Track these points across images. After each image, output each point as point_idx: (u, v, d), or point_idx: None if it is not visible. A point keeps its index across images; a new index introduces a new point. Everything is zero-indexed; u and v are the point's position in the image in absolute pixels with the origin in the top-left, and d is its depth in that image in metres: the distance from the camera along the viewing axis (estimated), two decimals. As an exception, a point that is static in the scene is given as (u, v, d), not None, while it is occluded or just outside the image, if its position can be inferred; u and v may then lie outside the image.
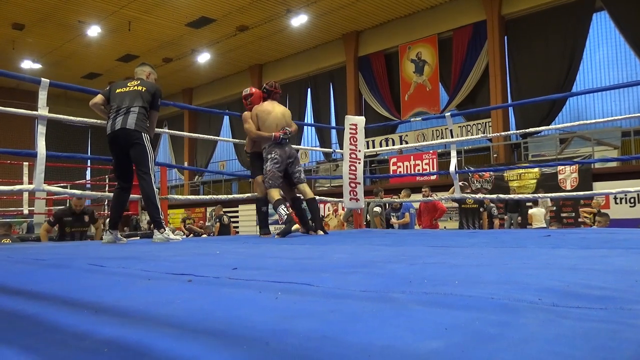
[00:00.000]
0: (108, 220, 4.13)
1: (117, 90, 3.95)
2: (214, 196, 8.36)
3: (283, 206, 4.50)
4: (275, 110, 4.78)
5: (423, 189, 8.78)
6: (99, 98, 4.00)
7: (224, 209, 18.36)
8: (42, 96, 3.88)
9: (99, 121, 4.51)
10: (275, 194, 4.62)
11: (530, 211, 9.84)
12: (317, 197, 5.47)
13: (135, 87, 3.95)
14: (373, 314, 0.95)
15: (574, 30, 13.52)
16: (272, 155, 4.65)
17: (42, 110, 3.90)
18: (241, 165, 20.90)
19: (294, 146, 4.92)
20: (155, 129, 4.26)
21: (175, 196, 6.00)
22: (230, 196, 7.07)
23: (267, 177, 4.67)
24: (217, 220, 11.62)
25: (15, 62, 18.50)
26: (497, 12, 14.42)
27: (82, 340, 0.84)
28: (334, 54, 18.26)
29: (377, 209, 8.43)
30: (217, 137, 13.43)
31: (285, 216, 4.46)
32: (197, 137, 6.66)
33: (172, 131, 6.52)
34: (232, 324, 0.90)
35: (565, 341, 0.74)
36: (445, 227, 11.67)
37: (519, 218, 10.96)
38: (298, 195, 5.02)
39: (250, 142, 5.04)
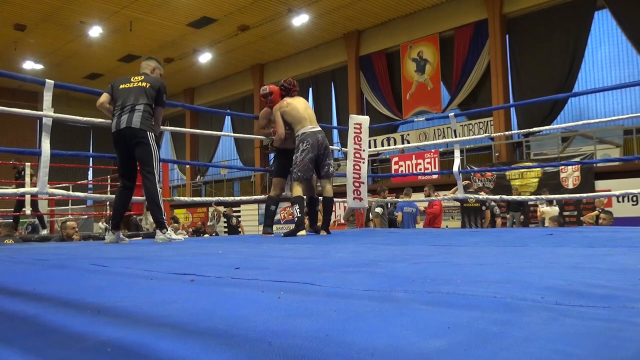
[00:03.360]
0: (110, 220, 4.11)
1: (121, 86, 3.87)
2: (218, 198, 8.38)
3: (298, 206, 4.42)
4: (301, 103, 4.74)
5: (425, 189, 8.92)
6: (104, 97, 3.95)
7: (226, 209, 18.44)
8: (47, 97, 3.82)
9: (104, 120, 4.50)
10: (299, 190, 4.50)
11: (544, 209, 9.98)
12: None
13: (140, 84, 3.86)
14: (376, 314, 0.95)
15: (575, 29, 13.50)
16: (304, 145, 4.49)
17: (48, 112, 3.87)
18: (243, 165, 20.93)
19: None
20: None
21: (179, 198, 5.99)
22: (235, 198, 7.04)
23: (296, 167, 4.51)
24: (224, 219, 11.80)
25: (17, 62, 18.54)
26: (499, 10, 14.40)
27: (85, 340, 0.84)
28: (336, 54, 18.26)
29: (379, 209, 8.47)
30: (220, 133, 13.55)
31: (297, 218, 4.41)
32: (200, 132, 6.67)
33: (174, 128, 6.51)
34: (234, 324, 0.90)
35: (568, 340, 0.74)
36: (447, 226, 11.67)
37: (522, 217, 10.96)
38: (318, 196, 4.93)
39: (278, 139, 4.82)
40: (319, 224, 4.92)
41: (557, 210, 9.79)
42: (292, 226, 4.58)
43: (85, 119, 4.60)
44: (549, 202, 9.89)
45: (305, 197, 4.62)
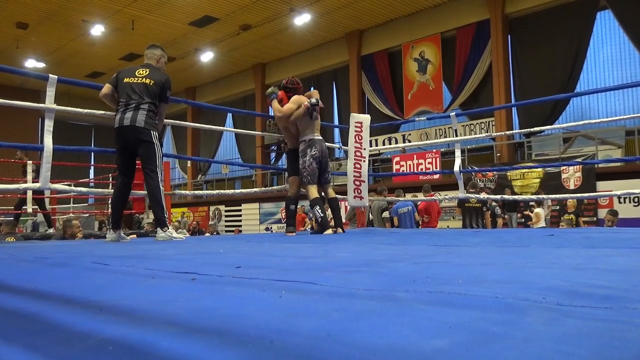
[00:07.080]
0: (110, 219, 4.10)
1: (125, 80, 3.86)
2: (220, 191, 8.37)
3: (318, 207, 4.58)
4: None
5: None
6: (107, 89, 3.95)
7: (227, 208, 18.49)
8: (50, 93, 3.82)
9: (105, 112, 4.52)
10: (314, 191, 4.67)
11: (535, 210, 9.96)
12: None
13: (144, 80, 3.85)
14: (377, 313, 0.95)
15: (578, 29, 13.48)
16: (313, 150, 4.70)
17: (50, 105, 3.86)
18: (244, 164, 20.94)
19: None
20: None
21: (181, 192, 5.99)
22: (236, 191, 7.05)
23: (305, 171, 4.71)
24: None
25: (19, 61, 18.56)
26: (501, 10, 14.39)
27: (86, 338, 0.84)
28: (337, 53, 18.26)
29: (386, 213, 8.58)
30: (222, 128, 13.32)
31: (320, 218, 4.57)
32: (202, 127, 6.63)
33: (175, 121, 6.45)
34: (236, 323, 0.90)
35: (570, 340, 0.74)
36: (448, 227, 11.67)
37: (520, 215, 10.97)
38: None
39: (290, 137, 4.99)
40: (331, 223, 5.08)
41: (545, 211, 9.94)
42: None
43: (85, 111, 4.62)
44: (538, 203, 9.97)
45: (325, 198, 4.86)
